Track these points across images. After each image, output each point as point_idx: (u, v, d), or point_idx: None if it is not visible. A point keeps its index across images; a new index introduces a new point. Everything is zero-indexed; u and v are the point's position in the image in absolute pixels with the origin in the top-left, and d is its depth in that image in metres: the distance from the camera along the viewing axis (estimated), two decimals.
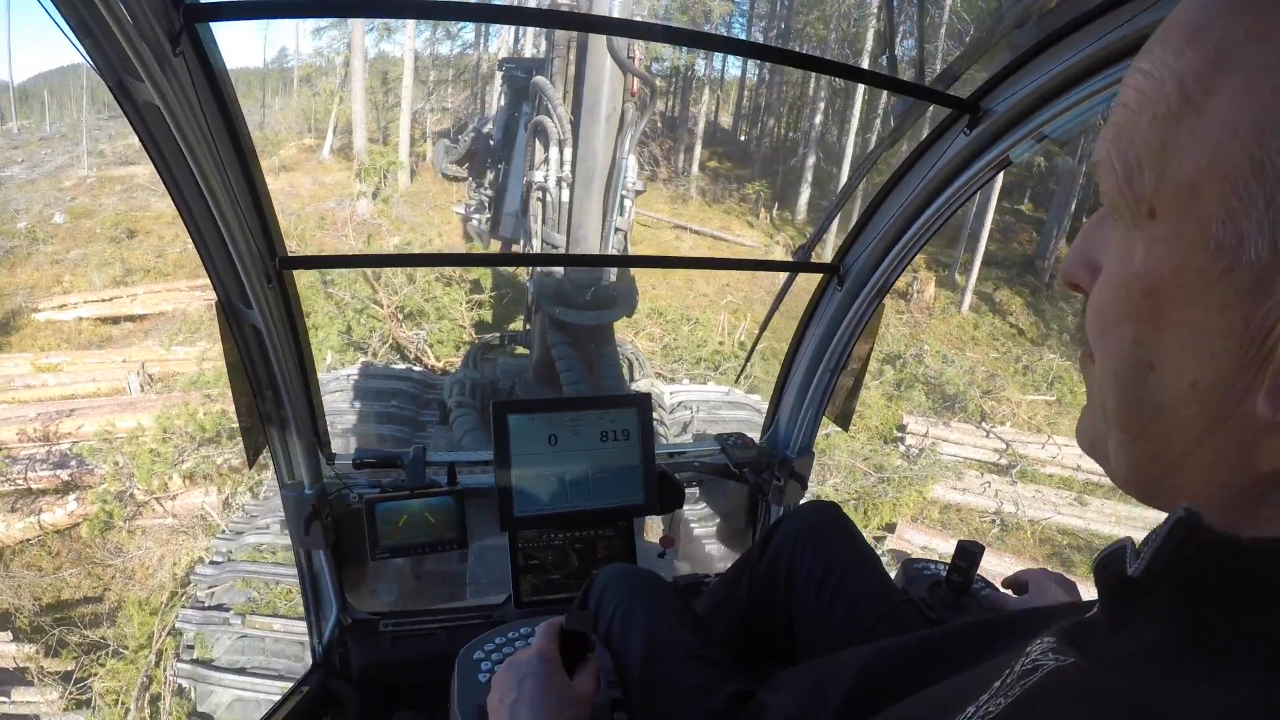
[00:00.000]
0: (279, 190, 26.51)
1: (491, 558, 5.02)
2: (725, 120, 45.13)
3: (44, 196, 25.99)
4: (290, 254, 1.81)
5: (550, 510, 2.34)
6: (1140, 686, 0.52)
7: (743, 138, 41.41)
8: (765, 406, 8.52)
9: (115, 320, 17.50)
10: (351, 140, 28.87)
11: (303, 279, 13.06)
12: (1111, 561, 0.60)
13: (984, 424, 14.42)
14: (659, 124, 33.98)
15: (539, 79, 8.27)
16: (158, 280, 19.72)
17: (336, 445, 2.29)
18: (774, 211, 29.99)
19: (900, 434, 13.96)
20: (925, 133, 1.99)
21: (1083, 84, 1.54)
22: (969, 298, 22.10)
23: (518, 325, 13.65)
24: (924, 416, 14.43)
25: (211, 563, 7.91)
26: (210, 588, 7.47)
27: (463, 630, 2.28)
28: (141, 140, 1.34)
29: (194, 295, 17.83)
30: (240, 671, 6.78)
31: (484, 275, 16.45)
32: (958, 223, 25.77)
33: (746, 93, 42.65)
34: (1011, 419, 15.30)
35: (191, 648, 7.07)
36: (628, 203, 7.94)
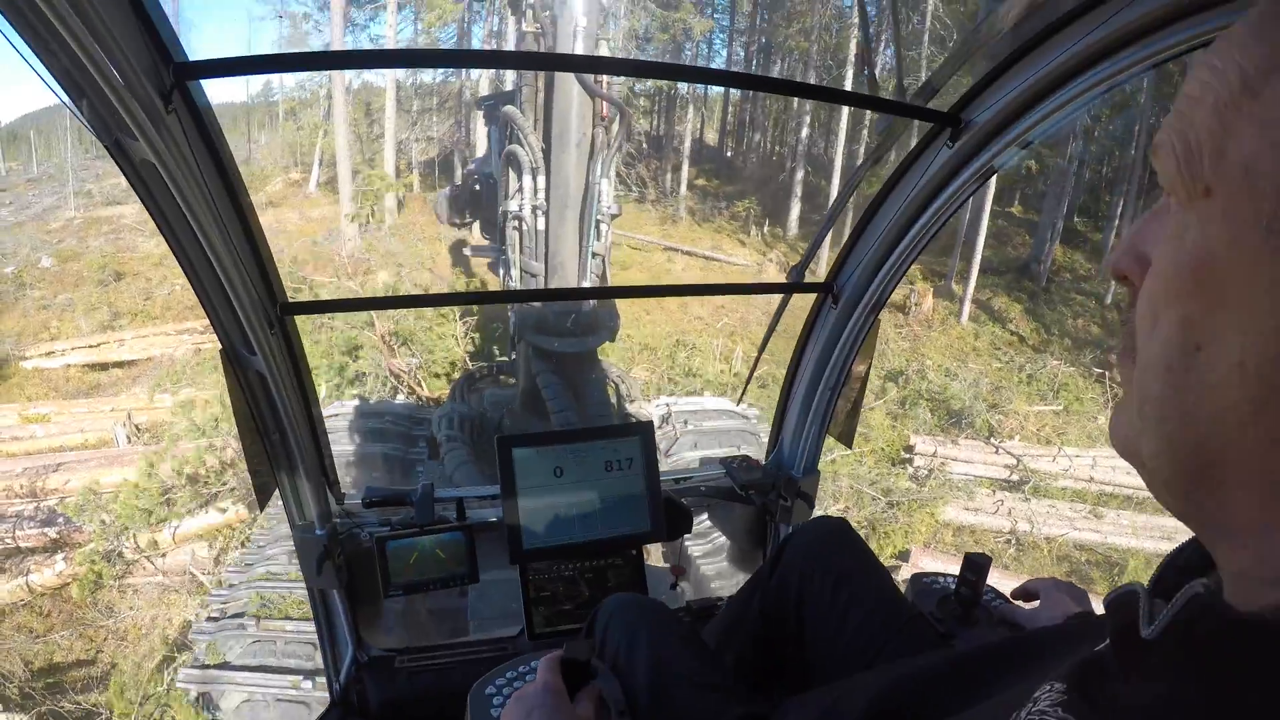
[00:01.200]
0: (265, 227, 26.14)
1: (492, 592, 5.00)
2: (711, 137, 44.83)
3: (31, 240, 25.88)
4: (290, 299, 1.85)
5: (559, 542, 2.39)
6: None
7: (729, 154, 41.12)
8: (742, 408, 9.64)
9: (104, 367, 17.27)
10: (333, 177, 28.60)
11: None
12: (1123, 606, 0.63)
13: (992, 439, 14.14)
14: (644, 145, 33.63)
15: (509, 108, 8.33)
16: (145, 324, 19.60)
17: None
18: (765, 228, 29.72)
19: (908, 455, 13.57)
20: (911, 145, 2.02)
21: (1061, 89, 1.57)
22: (968, 307, 21.72)
23: (503, 356, 13.93)
24: (931, 435, 14.05)
25: (229, 586, 7.88)
26: (224, 603, 7.47)
27: (478, 664, 2.29)
28: (140, 197, 1.37)
29: (180, 339, 17.69)
30: (254, 669, 6.74)
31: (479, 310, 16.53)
32: (952, 230, 25.50)
33: (731, 109, 42.32)
34: (1020, 432, 15.22)
35: (201, 660, 7.04)
36: (604, 227, 8.02)
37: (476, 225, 12.56)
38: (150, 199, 1.39)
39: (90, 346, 17.57)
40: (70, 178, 33.57)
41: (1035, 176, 27.15)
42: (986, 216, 21.44)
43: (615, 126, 7.75)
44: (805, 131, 30.06)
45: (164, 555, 10.30)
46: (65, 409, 14.32)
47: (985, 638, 1.56)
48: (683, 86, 35.13)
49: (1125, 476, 12.68)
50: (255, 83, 47.38)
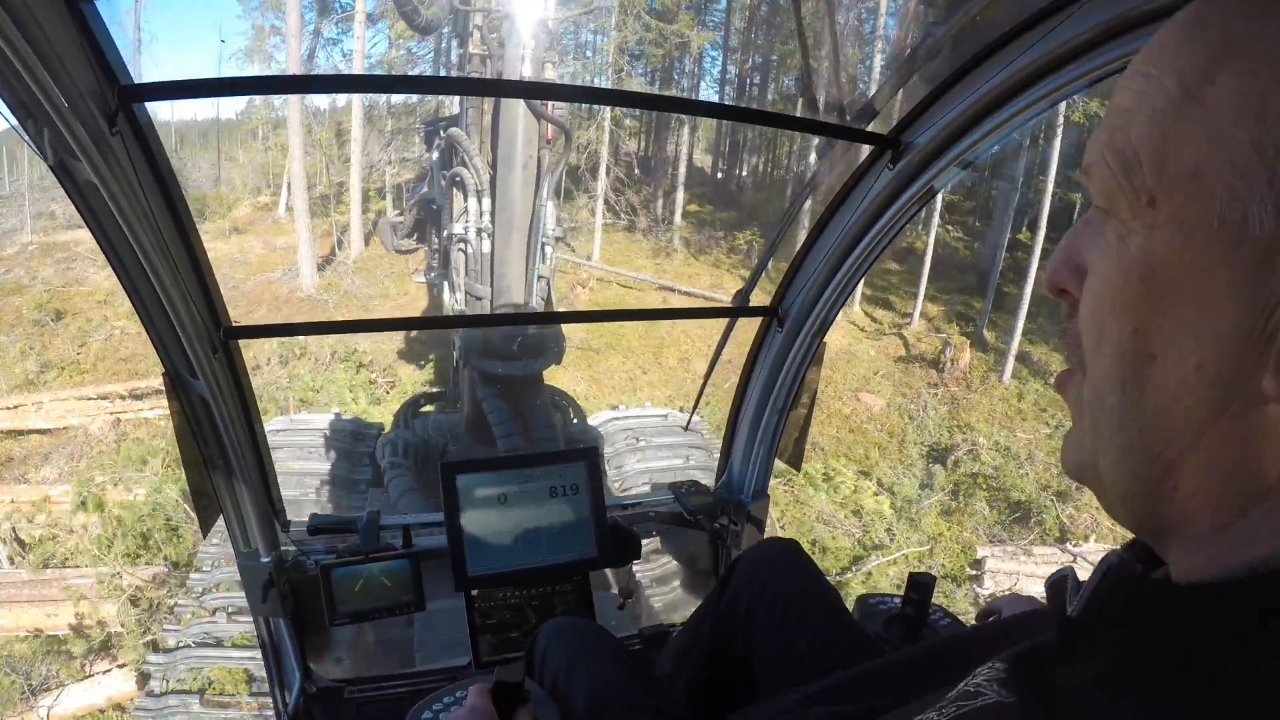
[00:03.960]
0: (227, 257, 25.09)
1: (439, 621, 4.75)
2: (703, 160, 42.34)
3: None
4: (235, 324, 1.92)
5: (504, 568, 2.44)
6: None
7: (721, 175, 38.83)
8: (674, 413, 10.32)
9: (19, 434, 15.44)
10: (310, 197, 26.18)
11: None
12: (1057, 589, 0.66)
13: (1067, 542, 11.92)
14: (635, 169, 31.15)
15: (454, 130, 8.54)
16: (70, 379, 18.13)
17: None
18: (769, 265, 26.83)
19: (975, 571, 11.16)
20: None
21: (1001, 108, 1.63)
22: (1010, 364, 19.67)
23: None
24: (999, 544, 11.90)
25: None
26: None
27: (426, 694, 2.08)
28: (83, 217, 1.43)
29: (100, 407, 16.00)
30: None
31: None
32: (980, 272, 23.21)
33: (724, 129, 39.85)
34: (1095, 529, 13.20)
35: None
36: (549, 249, 8.18)
37: (423, 251, 12.99)
38: (94, 220, 1.44)
39: (8, 409, 15.85)
40: (27, 200, 31.02)
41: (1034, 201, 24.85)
42: (1035, 266, 18.75)
43: (560, 147, 7.93)
44: (813, 158, 27.49)
45: None
46: None
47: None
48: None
49: None
50: (234, 101, 44.72)
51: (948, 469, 14.71)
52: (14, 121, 1.18)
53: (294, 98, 24.55)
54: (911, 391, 18.92)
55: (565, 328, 8.45)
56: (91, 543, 10.79)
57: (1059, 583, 0.65)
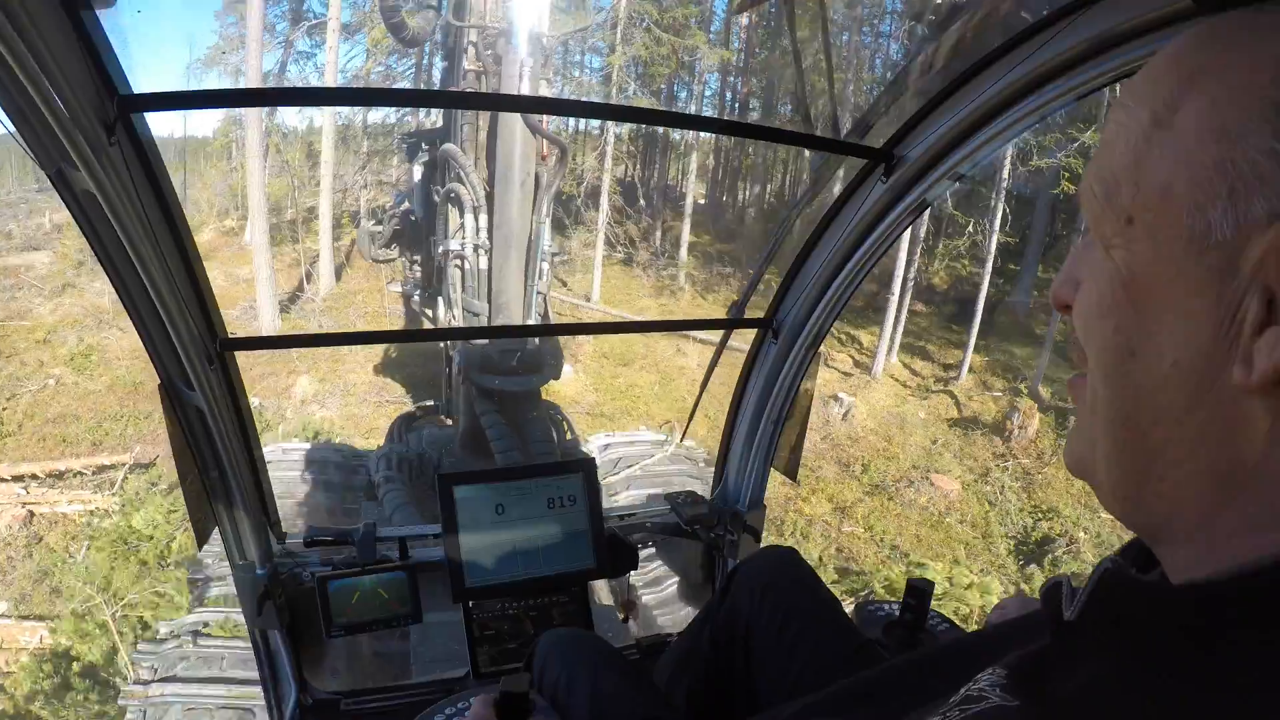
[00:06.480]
0: None
1: (435, 633, 5.08)
2: (701, 190, 42.34)
3: None
4: (230, 335, 2.04)
5: (502, 579, 2.58)
6: None
7: (711, 202, 38.90)
8: (660, 436, 12.14)
9: None
10: (278, 222, 26.18)
11: None
12: (1052, 596, 0.74)
13: None
14: (639, 196, 31.12)
15: (449, 146, 8.86)
16: None
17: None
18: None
19: None
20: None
21: (991, 123, 1.83)
22: None
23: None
24: None
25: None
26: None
27: (423, 706, 2.34)
28: (80, 227, 1.54)
29: (12, 495, 15.10)
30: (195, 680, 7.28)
31: None
32: (1015, 310, 22.98)
33: (722, 155, 40.08)
34: None
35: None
36: (545, 266, 8.67)
37: (401, 263, 13.91)
38: (90, 229, 1.53)
39: None
40: None
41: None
42: None
43: (554, 165, 8.38)
44: (838, 188, 27.60)
45: None
46: None
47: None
48: (674, 131, 33.41)
49: None
50: (208, 118, 45.25)
51: (1045, 569, 14.17)
52: (13, 129, 1.26)
53: (253, 118, 24.00)
54: (978, 465, 18.38)
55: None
56: None
57: (1054, 589, 0.73)
